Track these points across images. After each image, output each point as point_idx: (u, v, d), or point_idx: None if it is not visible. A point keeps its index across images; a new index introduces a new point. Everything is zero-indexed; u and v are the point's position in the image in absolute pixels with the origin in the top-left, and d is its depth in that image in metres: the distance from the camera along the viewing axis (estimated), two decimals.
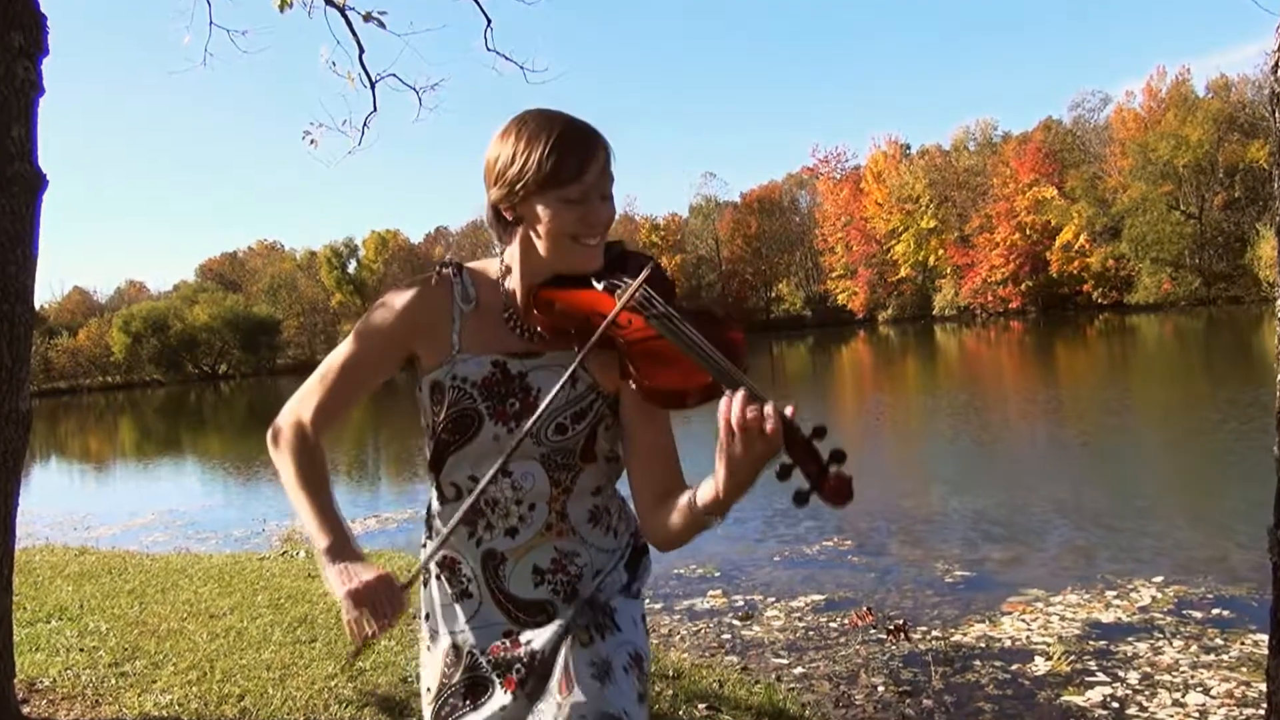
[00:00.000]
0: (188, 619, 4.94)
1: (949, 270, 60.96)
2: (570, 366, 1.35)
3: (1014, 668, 4.09)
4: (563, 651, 1.41)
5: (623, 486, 1.52)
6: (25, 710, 3.51)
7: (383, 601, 1.31)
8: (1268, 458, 2.25)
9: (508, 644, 1.45)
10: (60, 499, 13.56)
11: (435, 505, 1.51)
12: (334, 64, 6.00)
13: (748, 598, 5.51)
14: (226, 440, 23.44)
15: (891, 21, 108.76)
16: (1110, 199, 52.59)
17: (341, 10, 5.75)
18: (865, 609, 5.02)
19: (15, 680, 3.40)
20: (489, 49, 6.21)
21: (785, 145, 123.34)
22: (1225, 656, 4.05)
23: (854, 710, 3.75)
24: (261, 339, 68.93)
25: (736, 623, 5.05)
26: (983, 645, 4.41)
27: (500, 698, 1.42)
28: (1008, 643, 4.43)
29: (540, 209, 1.36)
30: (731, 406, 1.17)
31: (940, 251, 61.16)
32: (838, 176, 69.82)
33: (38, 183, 3.09)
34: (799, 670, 4.24)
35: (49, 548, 8.06)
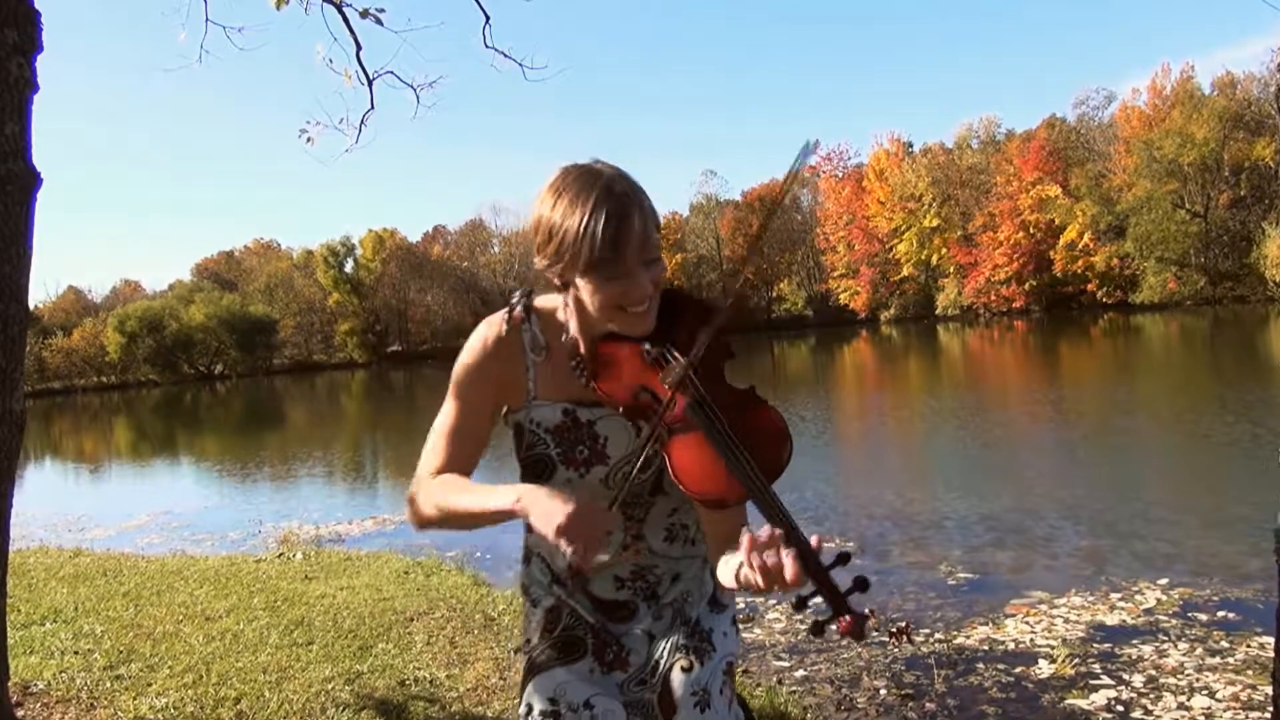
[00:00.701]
0: (183, 621, 4.93)
1: (952, 269, 60.93)
2: (641, 440, 1.39)
3: (1018, 671, 4.08)
4: (672, 673, 1.53)
5: None
6: (20, 714, 3.51)
7: (591, 525, 1.31)
8: (1274, 459, 2.25)
9: (602, 628, 1.59)
10: (55, 500, 13.55)
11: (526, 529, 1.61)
12: (331, 61, 5.99)
13: (748, 600, 5.51)
14: (222, 441, 23.44)
15: (894, 18, 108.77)
16: (1115, 197, 52.56)
17: (338, 7, 5.75)
18: (867, 611, 5.01)
19: (9, 683, 3.39)
20: (488, 46, 6.20)
21: (786, 142, 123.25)
22: (1231, 659, 4.05)
23: (856, 714, 3.75)
24: (258, 339, 68.88)
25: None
26: (986, 648, 4.41)
27: (588, 663, 1.56)
28: (1011, 645, 4.43)
29: (582, 284, 1.38)
30: (755, 544, 1.17)
31: (943, 250, 61.13)
32: (840, 175, 69.83)
33: (32, 181, 3.09)
34: (800, 673, 4.24)
35: (43, 550, 8.05)
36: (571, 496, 1.33)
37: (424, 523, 1.53)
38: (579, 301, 1.43)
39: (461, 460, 1.54)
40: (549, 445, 1.49)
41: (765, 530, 1.18)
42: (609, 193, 1.34)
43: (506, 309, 1.54)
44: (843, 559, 1.17)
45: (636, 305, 1.38)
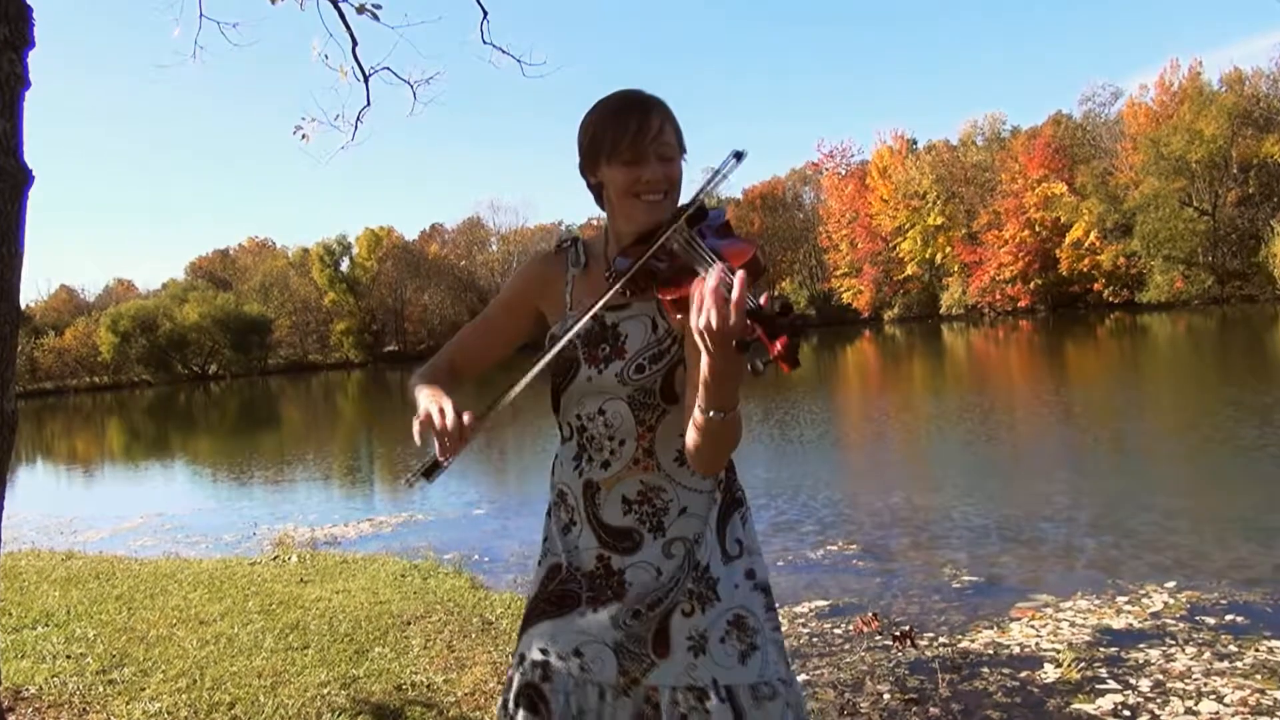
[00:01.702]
0: (177, 625, 4.94)
1: (956, 268, 60.92)
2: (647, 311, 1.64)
3: (1023, 675, 4.09)
4: (672, 615, 1.60)
5: None
6: (11, 719, 3.51)
7: (450, 423, 1.47)
8: None
9: (601, 569, 1.65)
10: (47, 502, 13.55)
11: (559, 444, 1.76)
12: (326, 57, 5.99)
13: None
14: (217, 442, 23.45)
15: (897, 13, 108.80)
16: (1121, 195, 52.55)
17: (334, 2, 5.75)
18: (870, 615, 5.02)
19: (1, 688, 3.40)
20: (485, 42, 6.21)
21: (788, 140, 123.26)
22: (1239, 663, 4.04)
23: (859, 718, 3.75)
24: (253, 338, 68.87)
25: None
26: (991, 652, 4.41)
27: (582, 608, 1.64)
28: (1016, 649, 4.43)
29: (607, 172, 1.63)
30: (706, 280, 1.33)
31: (947, 249, 61.13)
32: (842, 172, 69.83)
33: (23, 178, 3.09)
34: (803, 678, 4.23)
35: (35, 552, 8.05)
36: (445, 399, 1.53)
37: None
38: (610, 205, 1.67)
39: (476, 349, 1.80)
40: (576, 347, 1.65)
41: (714, 271, 1.35)
42: (632, 94, 1.64)
43: (559, 240, 1.80)
44: (784, 307, 1.31)
45: (651, 193, 1.60)
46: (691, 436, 1.49)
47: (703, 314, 1.30)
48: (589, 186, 1.70)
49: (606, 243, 1.71)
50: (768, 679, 1.58)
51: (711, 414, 1.40)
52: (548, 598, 1.68)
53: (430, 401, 1.52)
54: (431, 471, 1.51)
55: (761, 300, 1.30)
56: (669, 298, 1.50)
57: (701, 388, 1.39)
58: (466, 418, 1.47)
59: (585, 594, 1.65)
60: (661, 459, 1.63)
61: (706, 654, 1.57)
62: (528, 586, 1.77)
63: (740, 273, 1.31)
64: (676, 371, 1.62)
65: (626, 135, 1.59)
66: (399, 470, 13.78)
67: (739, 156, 1.47)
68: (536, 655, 1.65)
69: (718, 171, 1.49)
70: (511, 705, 1.67)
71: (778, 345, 1.28)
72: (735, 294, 1.28)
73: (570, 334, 1.58)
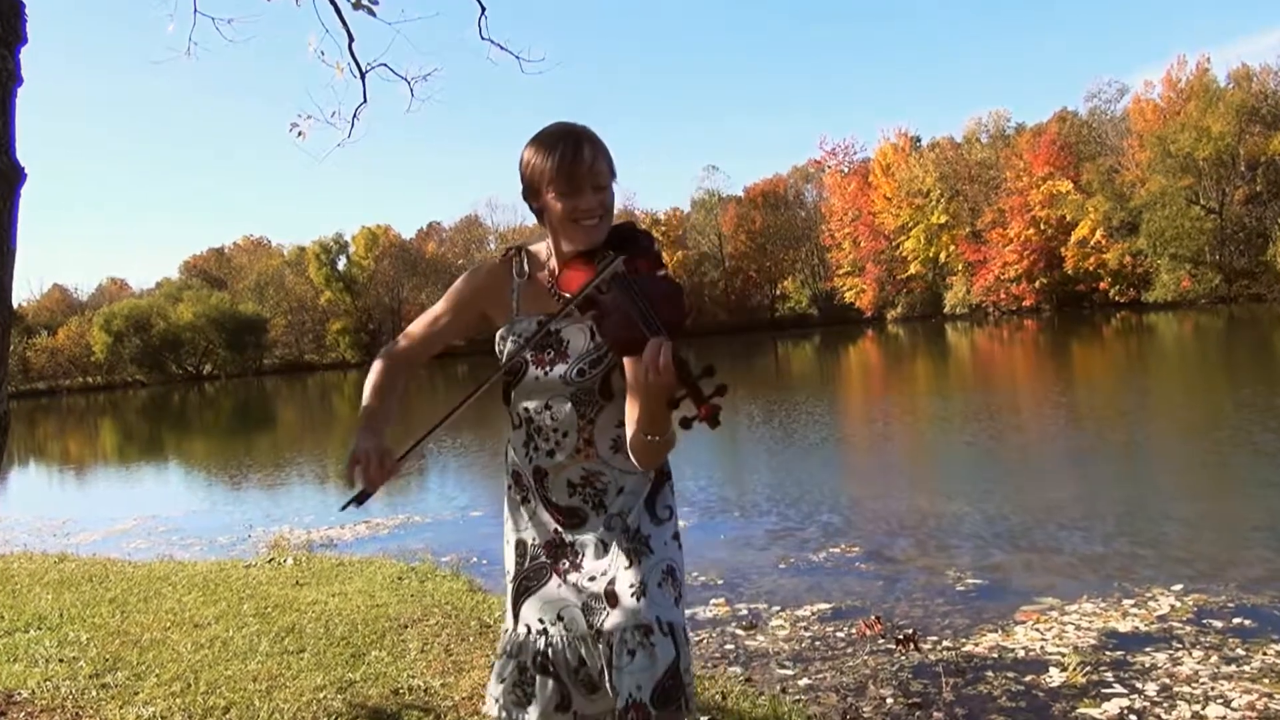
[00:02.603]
0: (171, 628, 4.94)
1: (960, 267, 60.92)
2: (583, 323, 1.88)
3: (1028, 679, 4.09)
4: (613, 571, 1.89)
5: None
6: None
7: (374, 464, 1.82)
8: None
9: (557, 540, 1.96)
10: (39, 504, 13.56)
11: (510, 431, 2.01)
12: (322, 54, 5.99)
13: (751, 606, 5.51)
14: (211, 443, 23.45)
15: (900, 9, 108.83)
16: (1128, 193, 52.54)
17: None
18: (874, 618, 5.02)
19: None
20: (483, 38, 6.21)
21: (790, 137, 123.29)
22: (1247, 667, 4.05)
23: None
24: (248, 338, 68.88)
25: (740, 632, 5.05)
26: (995, 656, 4.41)
27: (554, 580, 1.94)
28: (1021, 653, 4.43)
29: (547, 201, 1.86)
30: (648, 348, 1.63)
31: (951, 247, 61.13)
32: (845, 170, 69.85)
33: (16, 176, 3.09)
34: (805, 682, 4.24)
35: (27, 555, 8.05)
36: (375, 438, 1.87)
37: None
38: (550, 227, 1.90)
39: (426, 341, 2.05)
40: (525, 349, 1.90)
41: (651, 340, 1.64)
42: (568, 131, 1.87)
43: (505, 250, 2.04)
44: (708, 370, 1.64)
45: (587, 219, 1.85)
46: (633, 444, 1.79)
47: (643, 373, 1.64)
48: (531, 210, 1.93)
49: (549, 254, 1.97)
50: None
51: (647, 437, 1.74)
52: (527, 574, 1.98)
53: (362, 441, 1.84)
54: (361, 499, 1.84)
55: (694, 369, 1.63)
56: (608, 337, 1.78)
57: (638, 417, 1.73)
58: (388, 462, 1.82)
59: (549, 563, 1.95)
60: (600, 448, 1.92)
61: (647, 597, 1.85)
62: (503, 562, 2.05)
63: (667, 349, 1.62)
64: (613, 373, 1.88)
65: (563, 168, 1.82)
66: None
67: (616, 258, 1.80)
68: (537, 625, 1.93)
69: (602, 270, 1.79)
70: (531, 668, 1.92)
71: (702, 411, 1.59)
72: (664, 364, 1.60)
73: (495, 376, 1.90)
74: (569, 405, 1.89)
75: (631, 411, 1.78)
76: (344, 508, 1.87)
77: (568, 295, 1.85)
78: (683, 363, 1.62)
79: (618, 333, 1.74)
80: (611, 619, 1.85)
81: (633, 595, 1.85)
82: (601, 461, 1.92)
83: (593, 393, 1.89)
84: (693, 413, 1.61)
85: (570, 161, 1.82)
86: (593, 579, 1.91)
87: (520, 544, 2.00)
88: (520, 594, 1.98)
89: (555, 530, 1.95)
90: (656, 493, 1.97)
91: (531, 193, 1.89)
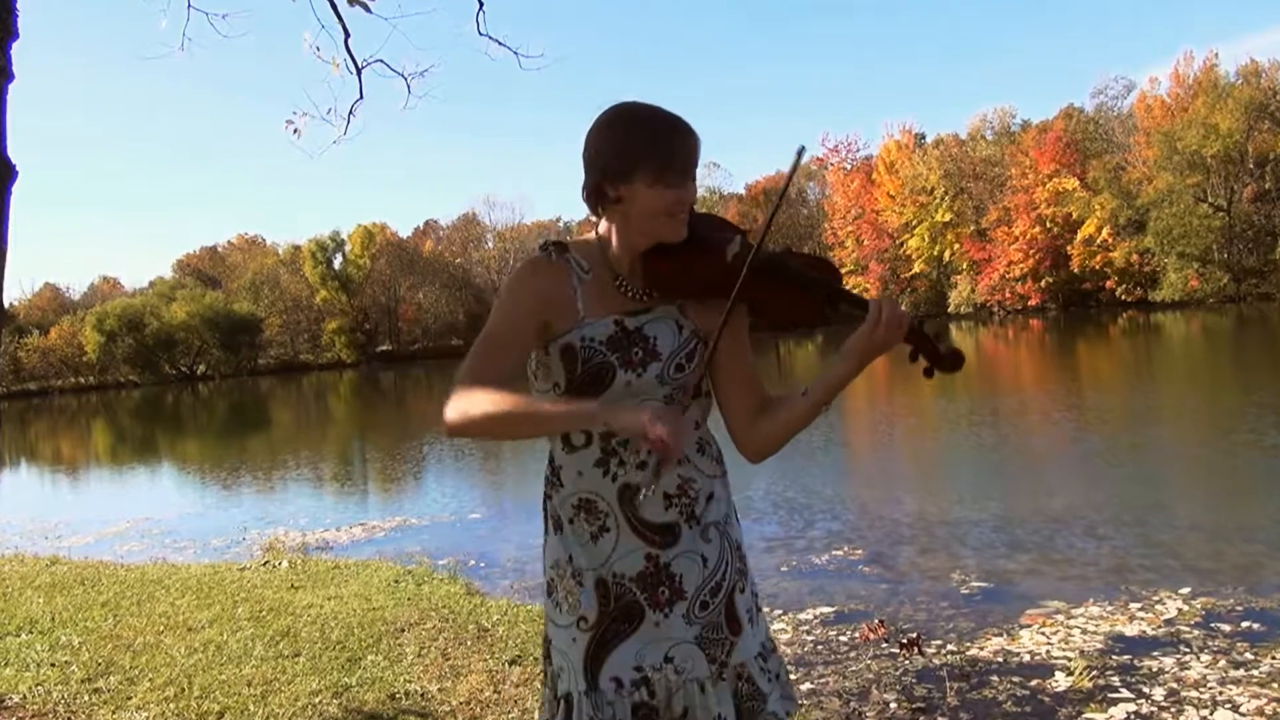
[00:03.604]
0: (164, 632, 4.94)
1: (965, 265, 60.91)
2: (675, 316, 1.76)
3: (1033, 683, 4.09)
4: (734, 595, 1.77)
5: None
6: None
7: (672, 419, 1.54)
8: None
9: (651, 568, 1.72)
10: (31, 506, 13.55)
11: (560, 455, 1.77)
12: (318, 49, 5.99)
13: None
14: (205, 444, 23.45)
15: (903, 4, 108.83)
16: (1135, 190, 52.56)
17: None
18: (877, 621, 5.02)
19: None
20: (481, 33, 6.21)
21: (792, 133, 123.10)
22: (1255, 672, 4.05)
23: None
24: (242, 338, 68.83)
25: None
26: (1000, 660, 4.41)
27: (651, 617, 1.72)
28: (1026, 657, 4.43)
29: (644, 190, 1.66)
30: (884, 307, 1.63)
31: (956, 246, 61.12)
32: (848, 167, 69.80)
33: (7, 173, 3.09)
34: (807, 686, 4.23)
35: (18, 557, 8.06)
36: (642, 404, 1.63)
37: (464, 422, 1.64)
38: (623, 215, 1.70)
39: (503, 367, 1.70)
40: (606, 354, 1.70)
41: (874, 303, 1.64)
42: (676, 118, 1.69)
43: (542, 249, 1.78)
44: (922, 321, 1.68)
45: (684, 212, 1.70)
46: (782, 423, 1.73)
47: (880, 332, 1.62)
48: (599, 195, 1.69)
49: (603, 249, 1.76)
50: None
51: (825, 407, 1.69)
52: (615, 617, 1.72)
53: (635, 411, 1.56)
54: (660, 471, 1.64)
55: (924, 328, 1.67)
56: (779, 317, 1.75)
57: (828, 386, 1.68)
58: (674, 416, 1.56)
59: (644, 599, 1.71)
60: (689, 451, 1.75)
61: (759, 620, 1.82)
62: (568, 611, 1.75)
63: (891, 302, 1.66)
64: (706, 370, 1.75)
65: (676, 159, 1.65)
66: (392, 473, 13.78)
67: (802, 152, 1.75)
68: (633, 675, 1.70)
69: (794, 167, 1.78)
70: None
71: (945, 351, 1.68)
72: (891, 316, 1.63)
73: (710, 346, 1.70)
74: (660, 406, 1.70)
75: (738, 382, 1.77)
76: (646, 494, 1.66)
77: (652, 290, 1.74)
78: (913, 322, 1.66)
79: (791, 309, 1.72)
80: (740, 649, 1.75)
81: (749, 620, 1.78)
82: (693, 467, 1.76)
83: (686, 390, 1.72)
84: (928, 362, 1.69)
85: (689, 150, 1.67)
86: (705, 605, 1.73)
87: (602, 584, 1.72)
88: (602, 646, 1.71)
89: (648, 556, 1.72)
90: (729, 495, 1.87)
91: (616, 178, 1.66)
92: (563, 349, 1.70)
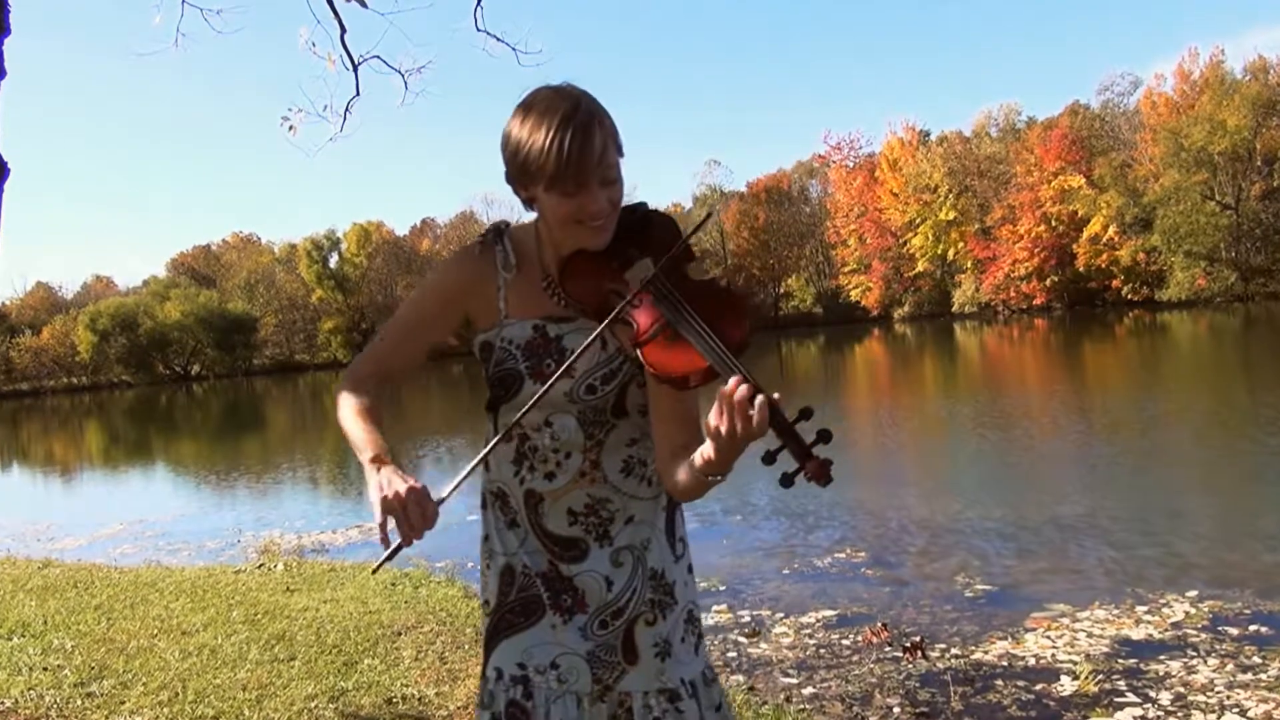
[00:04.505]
0: (158, 636, 4.94)
1: (969, 264, 60.93)
2: (593, 333, 1.55)
3: (1038, 688, 4.09)
4: (629, 616, 1.66)
5: None
6: None
7: (414, 512, 1.44)
8: None
9: (554, 573, 1.69)
10: (23, 508, 13.56)
11: (491, 437, 1.71)
12: (314, 45, 6.00)
13: (755, 613, 5.51)
14: (200, 446, 23.45)
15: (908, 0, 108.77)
16: (1141, 188, 52.56)
17: None
18: (880, 625, 5.02)
19: None
20: (479, 29, 6.21)
21: (794, 131, 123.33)
22: (1263, 675, 4.05)
23: None
24: (237, 338, 68.87)
25: (743, 640, 5.05)
26: (1005, 664, 4.42)
27: (550, 618, 1.68)
28: (1032, 661, 4.43)
29: (544, 196, 1.55)
30: (734, 391, 1.35)
31: (960, 244, 61.14)
32: (851, 164, 69.81)
33: (0, 171, 3.09)
34: (809, 690, 4.24)
35: (10, 560, 8.06)
36: (409, 479, 1.48)
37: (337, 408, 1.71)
38: (544, 220, 1.62)
39: (398, 358, 1.75)
40: (518, 360, 1.63)
41: (734, 380, 1.36)
42: (573, 111, 1.51)
43: (481, 236, 1.71)
44: (805, 413, 1.35)
45: (594, 220, 1.55)
46: (683, 480, 1.54)
47: (724, 420, 1.36)
48: (518, 196, 1.63)
49: (540, 245, 1.67)
50: (710, 662, 1.76)
51: (710, 478, 1.48)
52: (512, 608, 1.70)
53: (390, 482, 1.47)
54: (395, 555, 1.48)
55: (778, 404, 1.35)
56: (657, 368, 1.49)
57: (703, 460, 1.45)
58: (429, 505, 1.46)
59: (546, 598, 1.69)
60: (608, 471, 1.67)
61: (672, 657, 1.67)
62: (481, 590, 1.80)
63: (762, 396, 1.34)
64: (629, 388, 1.64)
65: (567, 163, 1.48)
66: None
67: (710, 216, 1.70)
68: (515, 670, 1.68)
69: (696, 228, 1.56)
70: None
71: (809, 468, 1.34)
72: (757, 415, 1.33)
73: (538, 398, 1.54)
74: (574, 423, 1.63)
75: (661, 420, 1.59)
76: (376, 570, 1.61)
77: (573, 296, 1.61)
78: (777, 408, 1.35)
79: (670, 364, 1.47)
80: (631, 679, 1.65)
81: (656, 655, 1.66)
82: (610, 487, 1.67)
83: (604, 411, 1.64)
84: (793, 467, 1.35)
85: (578, 155, 1.48)
86: (604, 624, 1.66)
87: (509, 570, 1.72)
88: (501, 630, 1.71)
89: (550, 563, 1.69)
90: (673, 523, 1.75)
91: (519, 180, 1.58)
92: (482, 345, 1.68)
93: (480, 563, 1.80)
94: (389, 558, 1.48)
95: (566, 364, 1.53)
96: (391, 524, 1.44)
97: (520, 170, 1.55)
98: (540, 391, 1.53)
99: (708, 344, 1.43)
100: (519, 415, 1.55)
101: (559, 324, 1.64)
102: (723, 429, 1.36)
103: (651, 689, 1.64)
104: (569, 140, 1.48)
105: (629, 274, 1.56)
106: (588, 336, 1.57)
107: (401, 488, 1.45)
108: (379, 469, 1.51)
